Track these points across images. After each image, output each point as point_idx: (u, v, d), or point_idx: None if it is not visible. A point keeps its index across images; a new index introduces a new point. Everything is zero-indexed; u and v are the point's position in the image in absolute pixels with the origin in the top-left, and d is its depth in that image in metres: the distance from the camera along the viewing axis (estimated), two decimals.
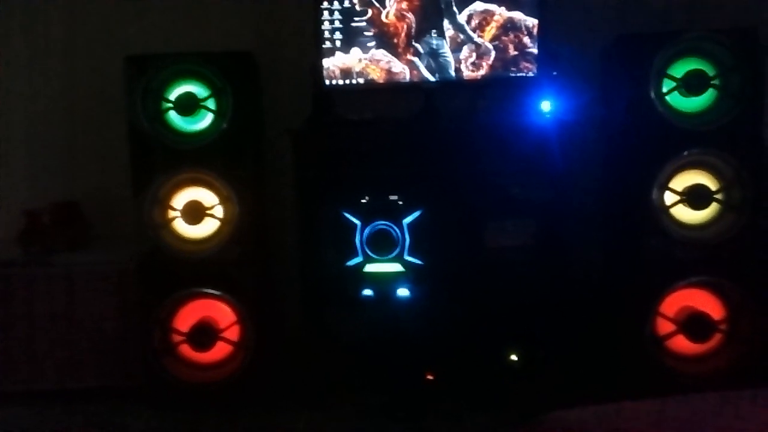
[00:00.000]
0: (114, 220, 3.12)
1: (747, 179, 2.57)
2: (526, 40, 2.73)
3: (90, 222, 3.14)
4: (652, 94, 2.56)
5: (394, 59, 2.76)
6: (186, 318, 2.78)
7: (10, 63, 3.23)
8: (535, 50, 2.73)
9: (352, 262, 2.72)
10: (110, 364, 2.89)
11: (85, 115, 3.24)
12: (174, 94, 2.72)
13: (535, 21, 2.72)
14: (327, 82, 2.77)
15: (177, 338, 2.77)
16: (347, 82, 2.77)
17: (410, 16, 2.74)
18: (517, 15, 2.72)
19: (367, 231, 2.69)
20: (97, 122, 3.21)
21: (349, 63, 2.76)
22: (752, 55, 2.55)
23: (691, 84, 2.57)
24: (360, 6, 2.73)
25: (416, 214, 2.70)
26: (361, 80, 2.77)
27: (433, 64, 2.76)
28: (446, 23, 2.74)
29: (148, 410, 2.77)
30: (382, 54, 2.76)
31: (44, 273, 2.89)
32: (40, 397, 2.87)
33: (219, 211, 2.74)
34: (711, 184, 2.60)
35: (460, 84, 2.79)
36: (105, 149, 3.18)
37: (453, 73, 2.76)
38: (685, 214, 2.62)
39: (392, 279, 2.71)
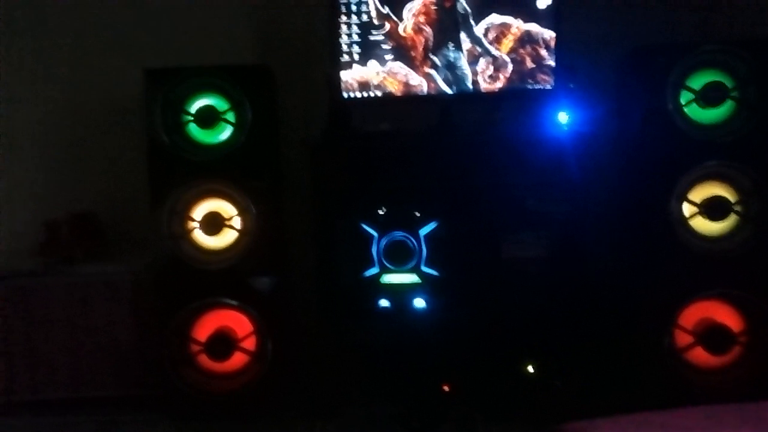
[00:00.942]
0: (132, 231, 3.15)
1: (765, 191, 2.56)
2: (543, 52, 2.74)
3: (108, 233, 3.17)
4: (670, 106, 2.57)
5: (412, 72, 2.78)
6: (204, 328, 2.80)
7: (30, 75, 3.27)
8: (552, 63, 2.74)
9: (368, 273, 2.72)
10: (127, 373, 2.91)
11: (105, 126, 3.27)
12: (193, 106, 2.75)
13: (552, 33, 2.72)
14: (344, 94, 2.79)
15: (195, 348, 2.78)
16: (365, 94, 2.79)
17: (427, 29, 2.76)
18: (534, 28, 2.73)
19: (383, 242, 2.70)
20: (116, 134, 3.24)
21: (366, 76, 2.78)
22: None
23: (709, 96, 2.58)
24: (378, 20, 2.75)
25: (433, 225, 2.70)
26: (378, 93, 2.79)
27: (450, 77, 2.78)
28: (463, 36, 2.76)
29: (164, 420, 2.78)
30: (399, 67, 2.78)
31: (62, 283, 2.92)
32: (56, 406, 2.89)
33: (237, 222, 2.76)
34: (729, 195, 2.60)
35: (477, 96, 2.79)
36: (124, 160, 3.21)
37: (470, 86, 2.77)
38: (703, 225, 2.62)
39: (409, 290, 2.72)
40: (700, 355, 2.62)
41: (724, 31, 2.98)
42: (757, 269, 2.61)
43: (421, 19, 2.76)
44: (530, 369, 2.70)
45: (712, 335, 2.60)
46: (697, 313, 2.63)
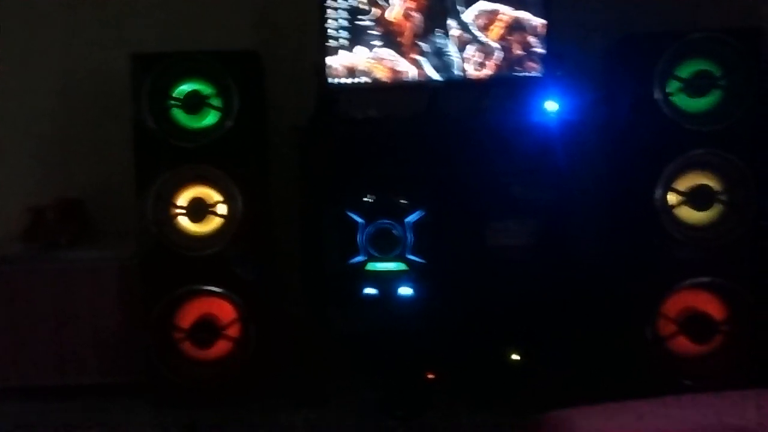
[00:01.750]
0: (118, 217, 3.13)
1: (751, 180, 2.57)
2: (532, 39, 2.73)
3: (94, 218, 3.15)
4: (657, 95, 2.56)
5: (400, 58, 2.76)
6: (188, 315, 2.79)
7: (14, 60, 3.24)
8: (540, 50, 2.73)
9: (354, 261, 2.72)
10: (111, 360, 2.90)
11: (90, 111, 3.24)
12: (180, 92, 2.73)
13: (541, 21, 2.71)
14: (332, 80, 2.77)
15: (178, 335, 2.77)
16: (352, 80, 2.77)
17: (416, 15, 2.74)
18: (523, 15, 2.72)
19: (369, 229, 2.69)
20: (101, 119, 3.22)
21: (354, 61, 2.76)
22: (757, 56, 2.55)
23: (696, 84, 2.58)
24: (366, 5, 2.73)
25: (419, 213, 2.70)
26: (366, 79, 2.77)
27: (438, 63, 2.76)
28: (452, 22, 2.74)
29: (148, 407, 2.78)
30: (387, 53, 2.76)
31: (47, 269, 2.89)
32: (41, 393, 2.88)
33: (223, 209, 2.75)
34: (715, 184, 2.60)
35: (465, 83, 2.78)
36: (109, 146, 3.19)
37: (458, 73, 2.76)
38: (688, 214, 2.62)
39: (395, 278, 2.71)
40: (682, 344, 2.63)
41: (713, 19, 2.98)
42: (741, 258, 2.62)
43: (410, 4, 2.74)
44: (515, 357, 2.70)
45: (694, 324, 2.61)
46: (680, 302, 2.63)
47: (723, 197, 2.58)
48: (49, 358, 2.89)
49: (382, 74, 2.77)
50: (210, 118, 2.75)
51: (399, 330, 2.73)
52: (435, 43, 2.75)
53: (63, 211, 3.05)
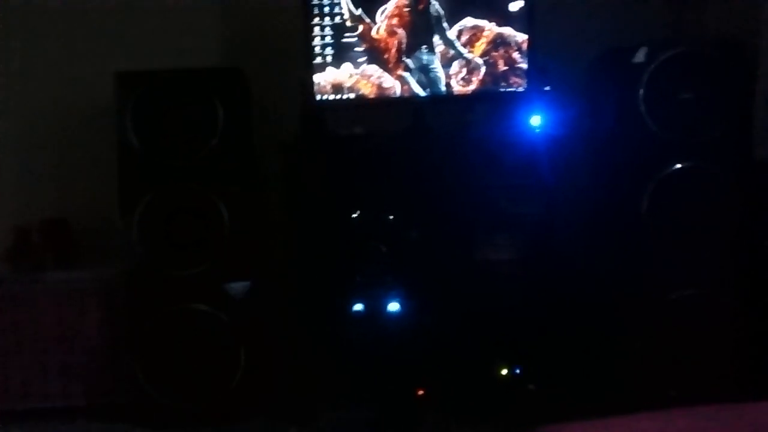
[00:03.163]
0: (103, 237, 3.10)
1: (734, 191, 2.59)
2: (516, 55, 2.74)
3: (79, 239, 3.12)
4: (641, 107, 2.58)
5: (385, 74, 2.77)
6: (176, 334, 2.76)
7: (0, 81, 3.22)
8: (524, 65, 2.75)
9: (343, 277, 2.71)
10: (99, 381, 2.86)
11: (75, 130, 3.22)
12: (164, 110, 2.71)
13: (525, 36, 2.73)
14: (318, 97, 2.77)
15: (167, 355, 2.74)
16: (338, 97, 2.78)
17: (401, 31, 2.75)
18: (507, 30, 2.74)
19: (357, 246, 2.68)
20: (87, 138, 3.19)
21: (340, 78, 2.77)
22: (740, 68, 2.57)
23: (680, 97, 2.59)
24: (351, 22, 2.74)
25: (407, 228, 2.69)
26: (351, 95, 2.77)
27: (423, 79, 2.77)
28: (436, 39, 2.75)
29: (137, 428, 2.74)
30: (373, 69, 2.77)
31: (32, 290, 2.86)
32: (24, 416, 2.83)
33: (209, 227, 2.73)
34: (699, 196, 2.61)
35: (450, 99, 2.79)
36: (95, 165, 3.16)
37: (443, 88, 2.77)
38: (672, 225, 2.62)
39: (383, 294, 2.71)
40: (670, 354, 2.63)
41: (696, 33, 3.01)
42: (727, 268, 2.63)
43: (394, 21, 2.75)
44: (504, 372, 2.70)
45: (681, 334, 2.61)
46: (667, 312, 2.64)
47: (707, 208, 2.59)
48: (33, 380, 2.85)
49: (368, 91, 2.78)
50: (196, 137, 2.73)
51: (388, 346, 2.72)
52: (420, 59, 2.76)
53: (48, 232, 3.03)
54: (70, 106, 3.22)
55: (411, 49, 2.76)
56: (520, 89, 2.77)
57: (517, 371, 2.71)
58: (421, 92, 2.77)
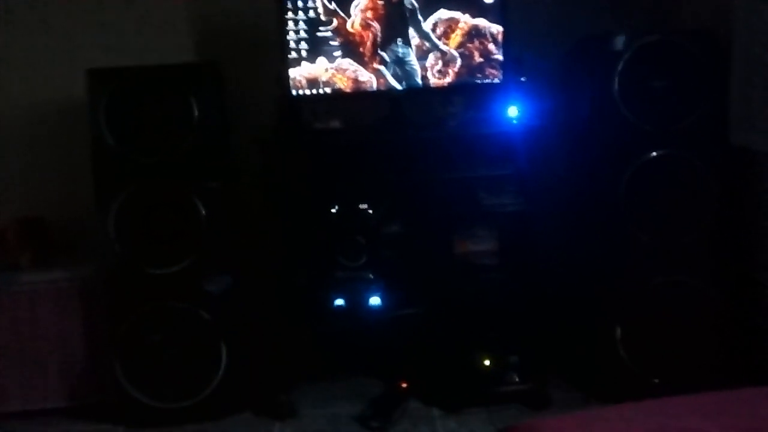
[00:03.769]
0: (80, 235, 3.07)
1: (711, 179, 2.61)
2: (491, 46, 2.75)
3: (55, 237, 3.09)
4: (617, 95, 2.59)
5: (361, 68, 2.76)
6: (156, 333, 2.74)
7: None
8: (500, 57, 2.75)
9: (322, 271, 2.71)
10: (79, 381, 2.84)
11: (49, 128, 3.18)
12: (139, 106, 2.68)
13: (500, 28, 2.73)
14: (293, 91, 2.76)
15: (147, 354, 2.73)
16: (314, 91, 2.76)
17: (375, 24, 2.74)
18: (482, 22, 2.73)
19: (336, 239, 2.68)
20: (61, 136, 3.15)
21: (315, 72, 2.75)
22: (713, 56, 2.59)
23: (654, 85, 2.60)
24: (325, 16, 2.72)
25: (385, 221, 2.70)
26: (327, 89, 2.76)
27: (399, 72, 2.76)
28: (411, 31, 2.75)
29: (118, 428, 2.73)
30: (348, 63, 2.75)
31: (9, 290, 2.83)
32: (3, 418, 2.80)
33: (186, 223, 2.71)
34: (675, 184, 2.63)
35: (426, 91, 2.79)
36: (70, 163, 3.13)
37: (419, 81, 2.77)
38: (651, 214, 2.64)
39: (363, 287, 2.71)
40: (651, 343, 2.66)
41: (672, 21, 3.02)
42: (705, 258, 2.66)
43: (369, 14, 2.74)
44: (487, 363, 2.71)
45: (661, 323, 2.64)
46: (646, 301, 2.66)
47: (684, 195, 2.62)
48: (12, 383, 2.82)
49: (344, 84, 2.76)
50: (170, 132, 2.70)
51: (369, 339, 2.73)
52: (396, 52, 2.75)
53: (23, 231, 2.98)
54: (44, 104, 3.18)
55: (386, 42, 2.75)
56: (496, 80, 2.77)
57: (500, 362, 2.72)
58: (397, 85, 2.77)
